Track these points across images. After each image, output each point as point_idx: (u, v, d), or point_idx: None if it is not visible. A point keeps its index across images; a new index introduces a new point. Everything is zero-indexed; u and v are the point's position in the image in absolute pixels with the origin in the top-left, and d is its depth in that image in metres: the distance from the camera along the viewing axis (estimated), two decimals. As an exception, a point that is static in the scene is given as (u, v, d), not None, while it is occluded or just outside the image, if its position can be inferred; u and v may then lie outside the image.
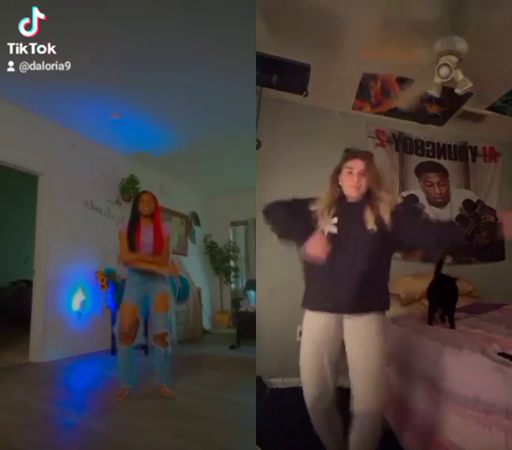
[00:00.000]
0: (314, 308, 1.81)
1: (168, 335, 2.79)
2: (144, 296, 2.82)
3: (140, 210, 2.89)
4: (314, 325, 1.81)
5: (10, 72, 3.31)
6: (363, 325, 1.73)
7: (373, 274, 1.75)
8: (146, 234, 2.85)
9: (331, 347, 1.77)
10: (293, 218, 1.81)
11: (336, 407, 1.79)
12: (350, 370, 1.75)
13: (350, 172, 1.79)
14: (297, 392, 1.83)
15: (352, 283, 1.71)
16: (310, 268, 1.83)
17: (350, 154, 1.87)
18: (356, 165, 1.79)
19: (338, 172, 1.85)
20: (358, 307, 1.73)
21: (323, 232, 1.76)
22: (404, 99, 3.26)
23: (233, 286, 7.14)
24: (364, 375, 1.71)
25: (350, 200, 1.83)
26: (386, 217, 1.75)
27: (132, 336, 2.79)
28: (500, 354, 1.76)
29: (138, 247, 2.81)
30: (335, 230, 1.77)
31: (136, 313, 2.79)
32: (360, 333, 1.74)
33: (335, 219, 1.79)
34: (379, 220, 1.75)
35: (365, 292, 1.72)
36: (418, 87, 3.00)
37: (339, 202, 1.83)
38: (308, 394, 1.79)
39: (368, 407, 1.70)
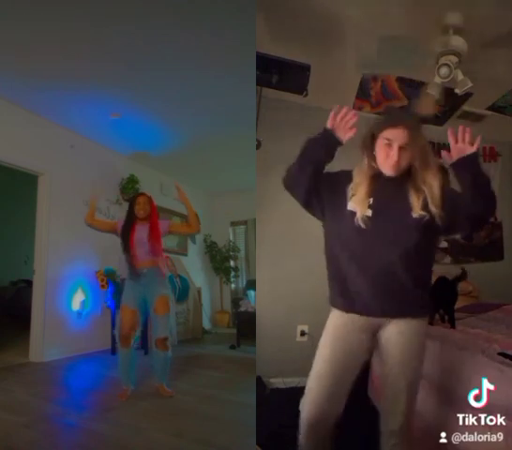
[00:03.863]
0: (346, 309, 1.52)
1: (169, 339, 2.79)
2: (143, 299, 2.80)
3: (135, 213, 2.87)
4: (343, 328, 1.53)
5: (10, 72, 3.33)
6: (409, 333, 1.49)
7: (417, 270, 1.48)
8: (142, 232, 2.83)
9: (358, 358, 1.53)
10: (317, 187, 1.52)
11: (332, 438, 1.54)
12: (385, 384, 1.54)
13: (388, 145, 1.44)
14: (297, 392, 1.82)
15: (391, 283, 1.44)
16: (341, 261, 1.52)
17: (391, 120, 1.47)
18: (398, 136, 1.42)
19: (372, 138, 1.49)
20: (400, 310, 1.48)
21: (358, 212, 1.46)
22: (404, 99, 3.26)
23: (233, 286, 7.15)
24: (403, 391, 1.48)
25: (388, 175, 1.49)
26: (436, 203, 1.42)
27: (133, 337, 2.78)
28: (500, 354, 1.76)
29: (132, 245, 2.80)
30: (370, 213, 1.46)
31: (136, 316, 2.78)
32: (404, 342, 1.50)
33: (370, 200, 1.47)
34: (425, 205, 1.43)
35: (408, 293, 1.47)
36: (418, 87, 3.00)
37: (375, 179, 1.49)
38: (310, 415, 1.51)
39: (405, 424, 1.49)
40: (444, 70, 2.38)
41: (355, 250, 1.48)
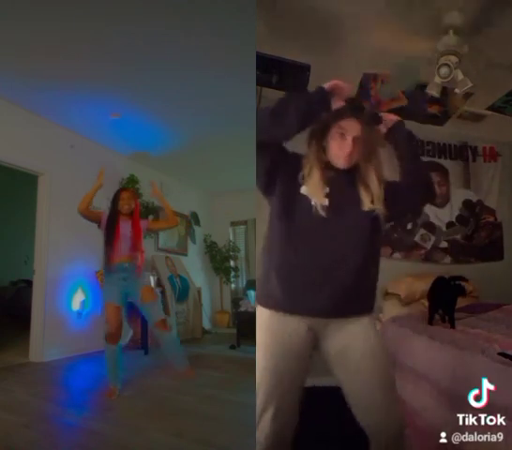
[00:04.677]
0: (285, 309, 1.37)
1: (167, 319, 2.82)
2: (125, 294, 2.81)
3: (119, 208, 2.87)
4: (281, 332, 1.37)
5: (10, 72, 3.33)
6: (360, 331, 1.39)
7: (369, 266, 1.42)
8: (125, 228, 2.84)
9: (301, 363, 1.39)
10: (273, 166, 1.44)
11: None
12: (351, 388, 1.38)
13: (342, 135, 1.38)
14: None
15: (345, 278, 1.35)
16: (286, 246, 1.40)
17: (345, 110, 1.40)
18: (352, 127, 1.38)
19: (324, 128, 1.42)
20: (350, 309, 1.38)
21: (314, 203, 1.38)
22: (404, 99, 3.26)
23: (233, 286, 7.15)
24: (373, 388, 1.35)
25: (337, 166, 1.43)
26: (377, 198, 1.40)
27: (119, 335, 2.80)
28: (500, 354, 1.76)
29: (117, 239, 2.80)
30: (326, 202, 1.38)
31: (121, 312, 2.81)
32: (358, 339, 1.38)
33: (327, 189, 1.39)
34: (373, 198, 1.41)
35: (358, 292, 1.38)
36: (418, 87, 3.00)
37: (326, 170, 1.42)
38: (263, 432, 1.35)
39: (389, 422, 1.36)
40: (444, 70, 2.38)
41: (308, 241, 1.37)
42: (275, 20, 2.47)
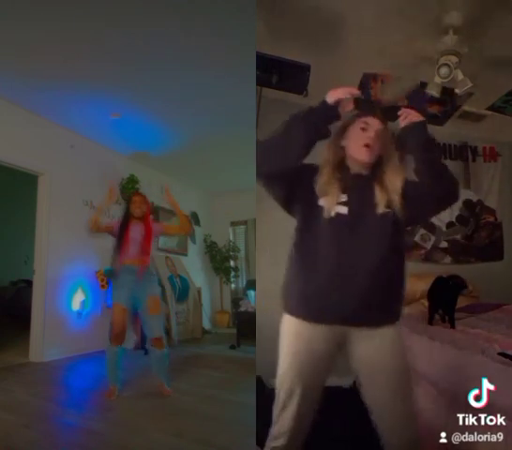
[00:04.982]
0: (310, 318, 1.38)
1: (164, 338, 2.83)
2: (134, 297, 2.82)
3: (131, 211, 2.95)
4: (306, 339, 1.38)
5: (10, 72, 3.33)
6: (383, 340, 1.36)
7: (392, 274, 1.38)
8: (136, 231, 2.90)
9: (324, 367, 1.41)
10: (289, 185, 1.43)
11: None
12: (369, 392, 1.40)
13: (364, 129, 1.40)
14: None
15: (367, 286, 1.32)
16: (305, 257, 1.41)
17: (368, 109, 1.45)
18: (374, 122, 1.41)
19: (343, 128, 1.43)
20: (372, 318, 1.35)
21: (329, 209, 1.36)
22: (404, 99, 3.26)
23: (233, 286, 7.15)
24: (391, 396, 1.36)
25: (355, 170, 1.43)
26: (396, 197, 1.36)
27: (123, 337, 2.81)
28: (500, 354, 1.76)
29: (126, 242, 2.84)
30: (344, 210, 1.37)
31: (127, 314, 2.82)
32: (379, 351, 1.36)
33: (344, 196, 1.38)
34: (389, 201, 1.37)
35: (381, 299, 1.35)
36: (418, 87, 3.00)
37: (343, 174, 1.41)
38: (280, 430, 1.40)
39: (404, 427, 1.38)
40: (444, 70, 2.39)
41: (329, 251, 1.36)
42: (275, 20, 2.47)
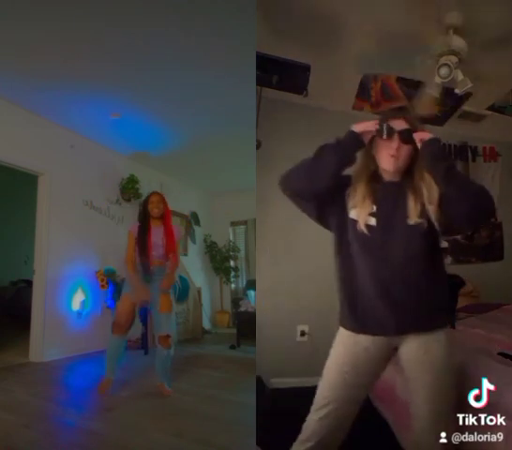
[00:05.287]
0: (358, 330, 1.43)
1: (171, 337, 2.79)
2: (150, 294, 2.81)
3: (149, 211, 2.90)
4: (355, 350, 1.44)
5: (10, 72, 3.33)
6: (432, 345, 1.41)
7: (430, 277, 1.40)
8: (157, 235, 2.86)
9: (368, 380, 1.48)
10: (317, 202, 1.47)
11: None
12: (411, 415, 1.49)
13: (389, 138, 1.39)
14: (297, 392, 1.82)
15: (405, 297, 1.36)
16: (345, 271, 1.46)
17: (393, 113, 1.50)
18: (399, 124, 1.39)
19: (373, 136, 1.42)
20: (416, 325, 1.40)
21: (361, 221, 1.39)
22: (404, 100, 3.26)
23: (233, 286, 7.15)
24: (432, 421, 1.44)
25: (388, 178, 1.44)
26: (434, 204, 1.34)
27: (125, 328, 2.80)
28: (500, 354, 1.76)
29: (149, 248, 2.81)
30: (373, 221, 1.40)
31: (134, 308, 2.81)
32: (426, 361, 1.41)
33: (373, 207, 1.40)
34: (422, 210, 1.36)
35: (423, 309, 1.39)
36: (418, 87, 3.00)
37: (374, 183, 1.43)
38: (314, 434, 1.45)
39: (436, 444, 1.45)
40: (444, 70, 2.38)
41: (364, 263, 1.40)
42: (275, 20, 2.47)
